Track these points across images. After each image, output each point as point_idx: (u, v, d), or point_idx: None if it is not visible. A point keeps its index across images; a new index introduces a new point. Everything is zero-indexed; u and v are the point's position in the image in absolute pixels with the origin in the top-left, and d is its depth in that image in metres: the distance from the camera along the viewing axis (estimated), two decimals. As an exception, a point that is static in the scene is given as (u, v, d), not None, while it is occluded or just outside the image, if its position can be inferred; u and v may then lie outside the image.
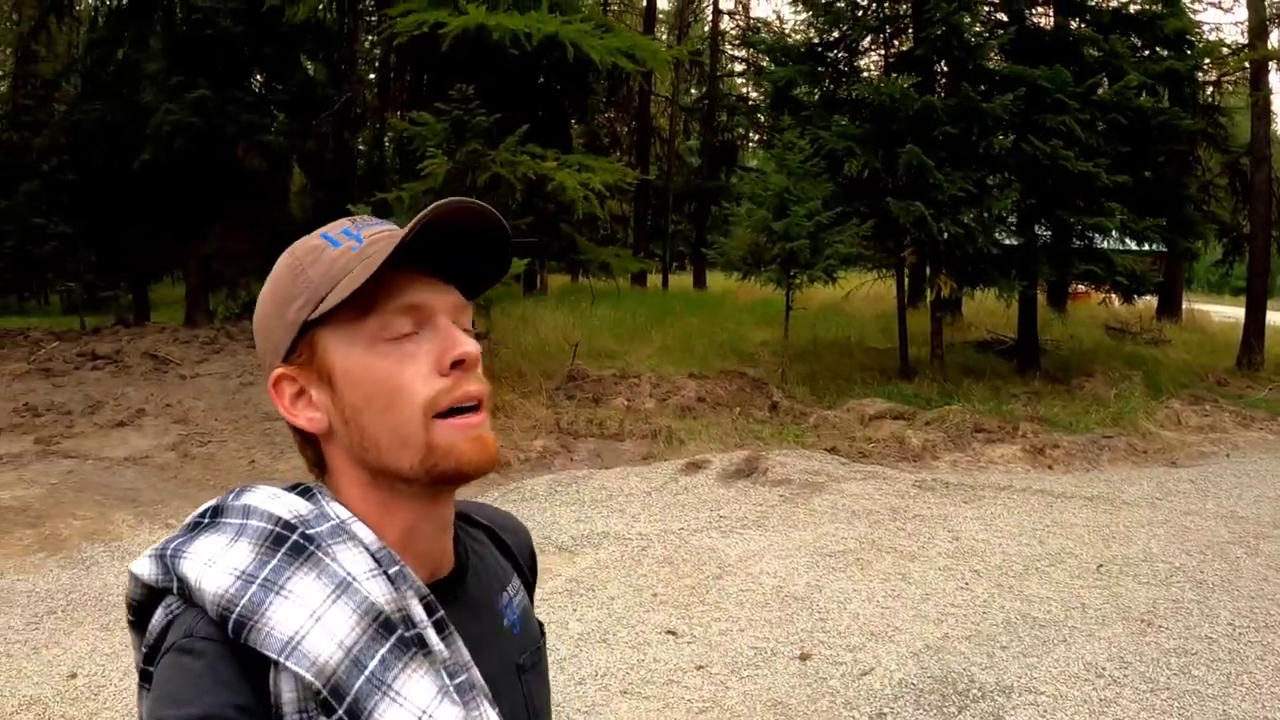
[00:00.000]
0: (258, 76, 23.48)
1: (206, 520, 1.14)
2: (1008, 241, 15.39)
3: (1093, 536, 8.03)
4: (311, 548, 1.10)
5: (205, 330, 18.80)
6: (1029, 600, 6.54)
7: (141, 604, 1.15)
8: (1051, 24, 16.32)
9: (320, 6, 21.23)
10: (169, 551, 1.10)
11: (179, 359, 15.86)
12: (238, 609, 1.03)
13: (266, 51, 21.28)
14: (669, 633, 6.00)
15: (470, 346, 1.15)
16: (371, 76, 29.07)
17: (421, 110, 12.49)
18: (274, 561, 1.07)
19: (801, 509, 8.70)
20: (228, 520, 1.14)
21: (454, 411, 1.15)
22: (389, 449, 1.15)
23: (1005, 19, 15.50)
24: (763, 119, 24.41)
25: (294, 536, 1.10)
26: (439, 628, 1.14)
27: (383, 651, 1.07)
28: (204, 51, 19.95)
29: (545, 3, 13.85)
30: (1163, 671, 5.47)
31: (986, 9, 15.59)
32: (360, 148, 29.56)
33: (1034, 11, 16.45)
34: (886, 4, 16.51)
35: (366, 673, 1.05)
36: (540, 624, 1.46)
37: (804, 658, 5.63)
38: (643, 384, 13.59)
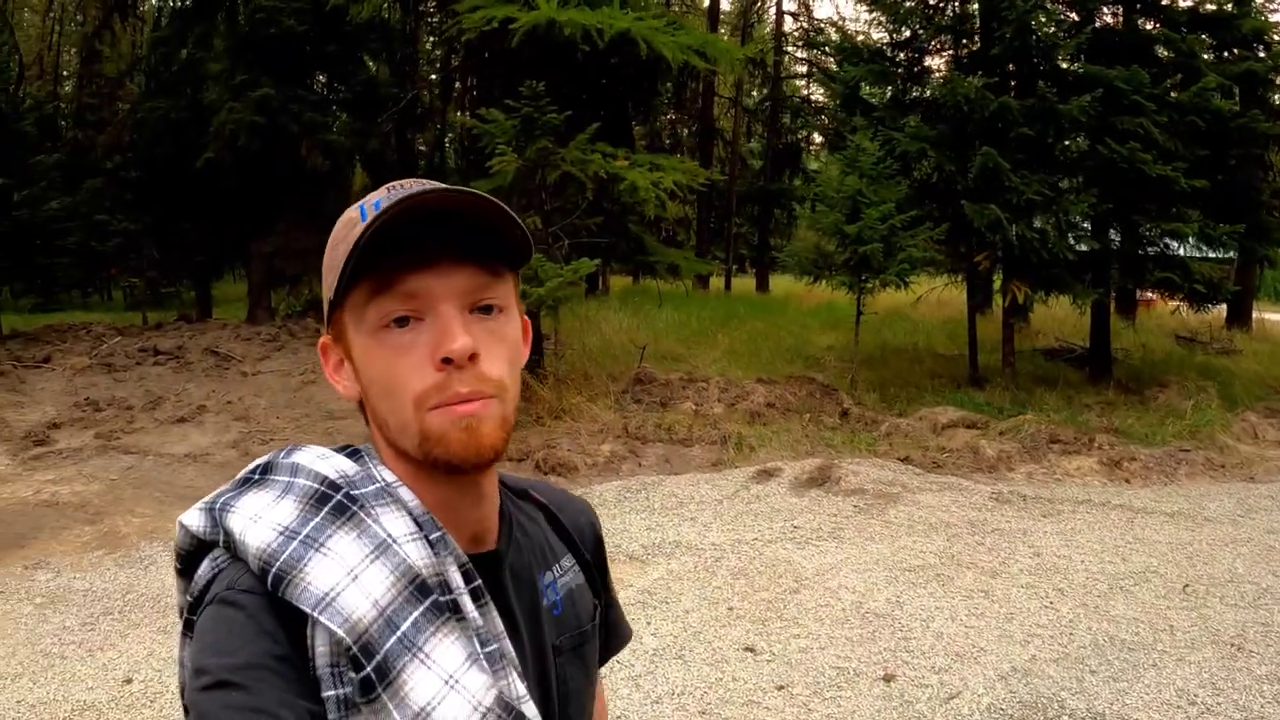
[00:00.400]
0: (320, 76, 23.55)
1: (256, 476, 1.19)
2: (1080, 247, 15.01)
3: (1176, 554, 7.74)
4: (354, 508, 1.13)
5: (267, 327, 18.81)
6: (1115, 621, 6.27)
7: (190, 554, 1.20)
8: (1121, 23, 15.92)
9: (384, 5, 21.11)
10: (218, 505, 1.15)
11: (240, 356, 15.85)
12: (278, 563, 1.06)
13: (329, 50, 21.34)
14: (747, 649, 5.78)
15: (459, 343, 1.12)
16: (433, 77, 29.00)
17: (488, 108, 12.33)
18: (316, 519, 1.11)
19: (877, 521, 8.46)
20: (275, 477, 1.18)
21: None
22: (395, 431, 1.18)
23: (1076, 18, 15.07)
24: (827, 121, 24.10)
25: (338, 496, 1.14)
26: (475, 596, 1.15)
27: (416, 614, 1.08)
28: (267, 50, 20.04)
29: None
30: (1256, 699, 5.22)
31: (1059, 7, 15.15)
32: (420, 148, 29.57)
33: (1103, 11, 16.02)
34: (958, 3, 16.20)
35: (398, 633, 1.06)
36: (623, 626, 1.58)
37: (888, 679, 5.39)
38: (711, 388, 13.36)
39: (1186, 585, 6.99)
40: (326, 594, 1.04)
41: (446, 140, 30.17)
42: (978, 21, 15.79)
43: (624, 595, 6.60)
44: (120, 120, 24.08)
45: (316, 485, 1.15)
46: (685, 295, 22.71)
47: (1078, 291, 14.79)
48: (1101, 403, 13.91)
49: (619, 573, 6.91)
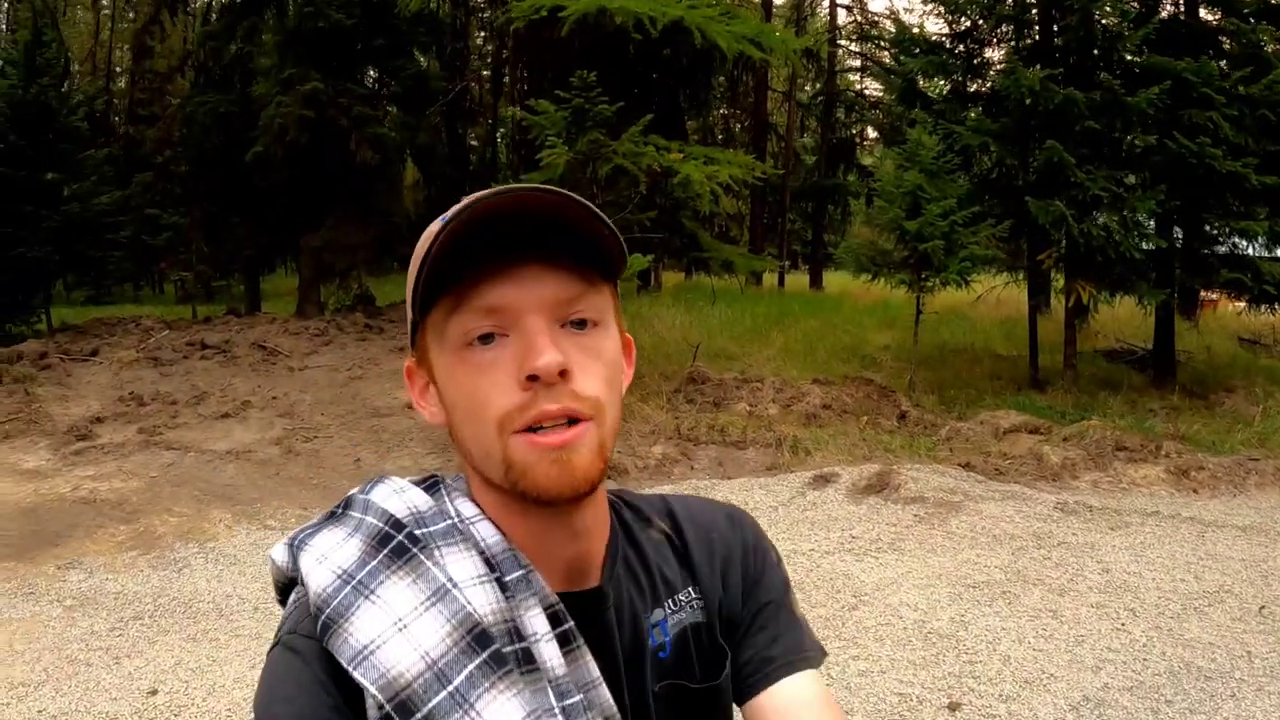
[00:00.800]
0: (370, 70, 23.51)
1: (339, 511, 1.15)
2: (1146, 245, 14.58)
3: (1250, 573, 7.34)
4: (414, 550, 1.07)
5: (316, 322, 18.67)
6: (1190, 646, 5.91)
7: (283, 586, 1.16)
8: (1182, 13, 15.46)
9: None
10: (297, 541, 1.12)
11: (288, 350, 15.71)
12: (328, 610, 1.03)
13: (378, 44, 21.22)
14: (804, 672, 5.44)
15: (546, 358, 1.03)
16: (485, 73, 28.90)
17: (538, 100, 12.09)
18: (373, 563, 1.06)
19: (939, 531, 8.11)
20: (352, 513, 1.14)
21: (536, 429, 1.05)
22: (479, 458, 1.10)
23: (1140, 8, 14.60)
24: (882, 116, 23.71)
25: (399, 537, 1.08)
26: (564, 641, 1.08)
27: (471, 666, 1.01)
28: (316, 44, 20.02)
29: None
30: (1344, 734, 4.86)
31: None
32: (472, 143, 29.50)
33: (1166, 1, 15.55)
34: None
35: (450, 687, 1.00)
36: (791, 644, 1.30)
37: (953, 708, 5.06)
38: (765, 388, 13.04)
39: (1263, 607, 6.61)
40: (366, 647, 1.00)
41: (499, 135, 30.04)
42: (1037, 11, 15.35)
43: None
44: (169, 115, 24.19)
45: (381, 525, 1.10)
46: (739, 292, 22.43)
47: (1144, 291, 14.37)
48: (1166, 407, 13.47)
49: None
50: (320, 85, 19.13)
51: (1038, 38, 15.42)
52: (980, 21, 16.10)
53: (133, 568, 7.22)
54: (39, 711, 5.00)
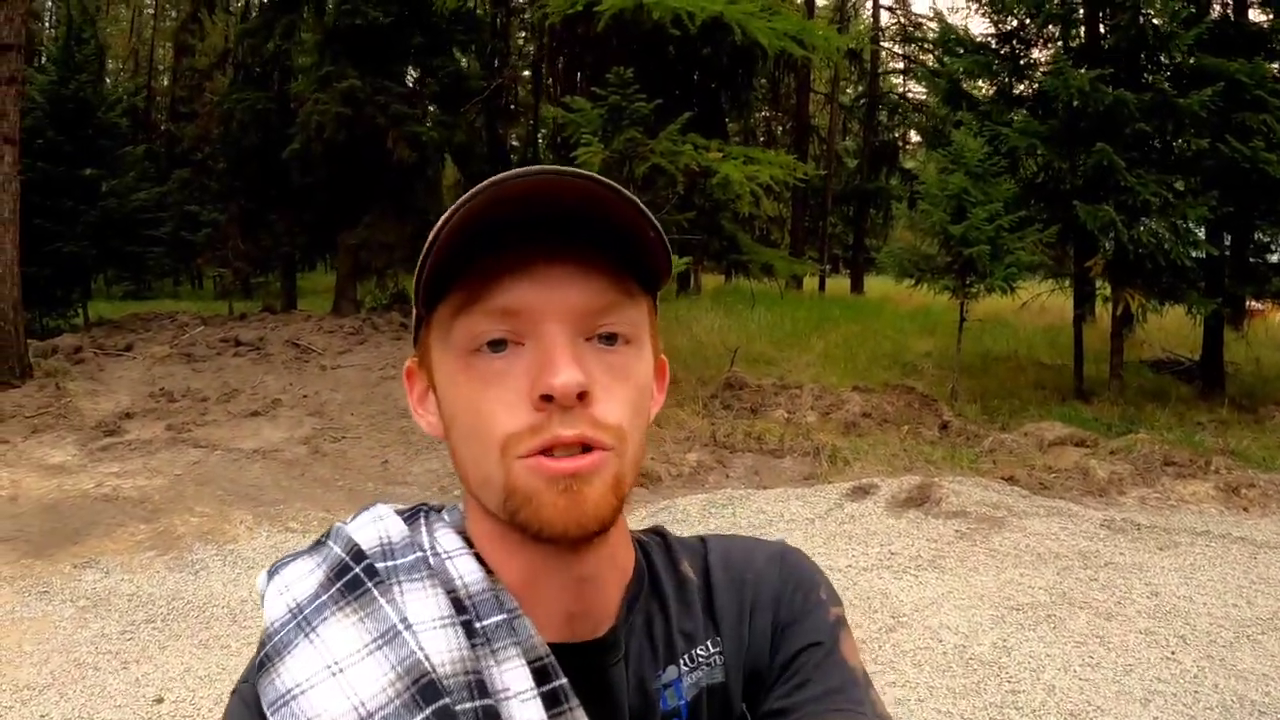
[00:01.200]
0: (408, 68, 23.50)
1: (322, 539, 1.03)
2: (1195, 253, 14.29)
3: (1306, 598, 7.06)
4: (369, 584, 0.94)
5: (350, 320, 18.64)
6: (1244, 678, 5.61)
7: None
8: (1232, 14, 15.16)
9: (470, -4, 20.99)
10: (274, 569, 1.01)
11: (321, 348, 15.64)
12: (267, 647, 0.93)
13: (417, 42, 21.23)
14: (839, 698, 5.19)
15: (564, 376, 0.87)
16: (526, 73, 28.79)
17: (574, 97, 11.91)
18: (324, 596, 0.94)
19: (981, 548, 7.83)
20: (327, 542, 1.01)
21: (547, 453, 0.88)
22: (476, 483, 0.95)
23: (1191, 8, 14.29)
24: (925, 119, 23.40)
25: (356, 569, 0.96)
26: (551, 701, 0.92)
27: None
28: (354, 42, 20.14)
29: (709, -19, 13.21)
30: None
31: (1174, -2, 14.42)
32: (514, 144, 29.45)
33: (1216, 1, 15.25)
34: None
35: None
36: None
37: (997, 739, 4.79)
38: (804, 395, 12.79)
39: None
40: (290, 690, 0.89)
41: (540, 135, 29.94)
42: (1083, 10, 15.09)
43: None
44: (208, 112, 24.30)
45: (343, 554, 0.97)
46: (779, 296, 22.22)
47: (1194, 300, 14.08)
48: (1215, 421, 13.16)
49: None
50: (358, 83, 19.21)
51: (1084, 39, 15.17)
52: (1027, 21, 15.85)
53: (149, 568, 7.11)
54: (41, 717, 4.89)
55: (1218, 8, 15.16)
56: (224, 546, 7.60)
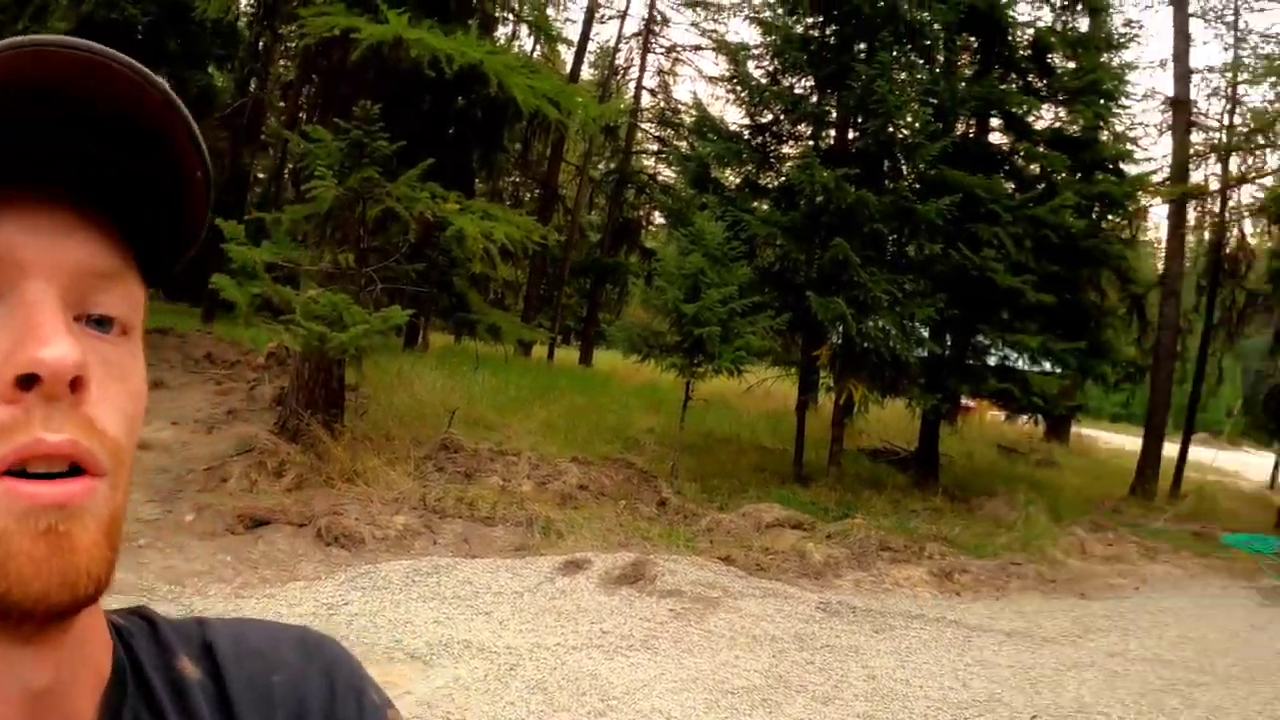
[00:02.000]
0: (160, 75, 22.46)
1: None
2: (919, 351, 14.81)
3: (1019, 680, 7.18)
4: None
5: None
6: (962, 762, 5.50)
7: None
8: (973, 133, 16.02)
9: (232, 7, 20.16)
10: None
11: None
12: None
13: (173, 48, 20.37)
14: (536, 789, 4.76)
15: (57, 348, 0.59)
16: (282, 104, 27.79)
17: (316, 126, 11.33)
18: None
19: (695, 629, 7.57)
20: None
21: (20, 472, 0.59)
22: None
23: (937, 124, 14.91)
24: (672, 201, 23.75)
25: None
26: None
27: None
28: (106, 37, 18.59)
29: (474, 31, 12.83)
30: None
31: (926, 110, 14.97)
32: (259, 175, 28.51)
33: (959, 120, 16.03)
34: (823, 92, 15.90)
35: None
36: None
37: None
38: (521, 463, 12.37)
39: (1034, 717, 6.40)
40: None
41: (285, 170, 28.88)
42: (836, 113, 15.70)
43: (400, 707, 5.55)
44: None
45: None
46: (505, 361, 21.86)
47: (915, 395, 14.61)
48: (929, 509, 13.71)
49: (396, 675, 5.80)
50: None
51: (834, 140, 15.80)
52: (782, 116, 16.34)
53: None
54: None
55: (961, 125, 15.88)
56: None
